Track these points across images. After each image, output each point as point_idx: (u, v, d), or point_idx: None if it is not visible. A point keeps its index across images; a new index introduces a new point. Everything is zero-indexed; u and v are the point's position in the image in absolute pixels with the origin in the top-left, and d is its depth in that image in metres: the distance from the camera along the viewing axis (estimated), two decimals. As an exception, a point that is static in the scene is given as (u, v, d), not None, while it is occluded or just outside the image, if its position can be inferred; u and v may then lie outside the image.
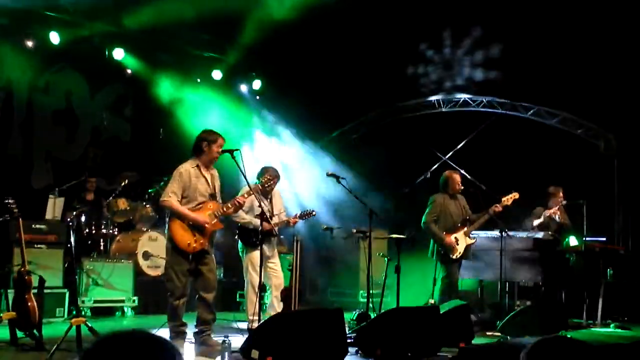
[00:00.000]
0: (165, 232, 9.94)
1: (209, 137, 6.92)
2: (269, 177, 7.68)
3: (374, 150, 12.74)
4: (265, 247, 7.92)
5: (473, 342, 7.28)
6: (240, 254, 8.26)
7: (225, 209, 6.94)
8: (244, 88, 13.25)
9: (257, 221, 7.74)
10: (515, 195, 8.97)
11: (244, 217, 7.93)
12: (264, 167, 8.28)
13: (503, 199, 8.92)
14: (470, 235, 8.94)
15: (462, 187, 9.07)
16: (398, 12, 10.43)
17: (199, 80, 12.70)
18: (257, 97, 13.43)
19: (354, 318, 8.25)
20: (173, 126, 12.13)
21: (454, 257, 8.79)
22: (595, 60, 10.77)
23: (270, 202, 8.19)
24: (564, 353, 2.41)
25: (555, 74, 11.15)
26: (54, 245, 8.88)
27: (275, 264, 8.22)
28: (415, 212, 9.32)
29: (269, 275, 8.15)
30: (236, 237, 8.35)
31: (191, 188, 6.79)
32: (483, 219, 8.94)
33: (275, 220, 8.08)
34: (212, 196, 6.91)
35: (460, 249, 8.82)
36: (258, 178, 7.96)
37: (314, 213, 8.45)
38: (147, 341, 1.94)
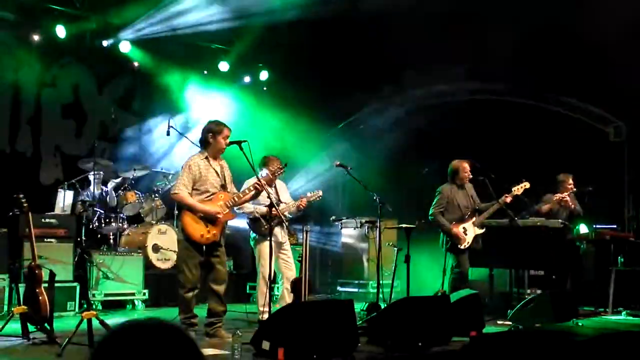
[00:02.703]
0: (175, 224, 10.02)
1: (214, 128, 6.94)
2: (278, 166, 7.66)
3: (383, 141, 12.72)
4: (278, 232, 7.94)
5: (484, 331, 7.27)
6: (252, 244, 8.24)
7: (236, 199, 6.95)
8: (247, 79, 13.28)
9: (262, 208, 7.70)
10: (526, 184, 8.91)
11: (248, 206, 7.90)
12: (267, 156, 8.25)
13: (513, 189, 8.86)
14: (480, 226, 8.90)
15: (471, 176, 9.02)
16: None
17: (205, 72, 12.72)
18: (264, 88, 13.44)
19: (364, 308, 8.24)
20: (181, 119, 12.16)
21: (462, 247, 8.76)
22: (604, 46, 10.68)
23: (275, 189, 8.17)
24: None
25: (563, 59, 11.08)
26: (64, 239, 8.89)
27: (287, 255, 8.20)
28: (425, 201, 9.29)
29: (280, 266, 8.14)
30: (248, 227, 8.30)
31: (201, 180, 6.81)
32: (492, 208, 8.87)
33: (283, 206, 8.05)
34: (223, 187, 6.93)
35: (469, 239, 8.78)
36: (261, 169, 7.93)
37: (320, 194, 8.37)
38: (164, 330, 1.93)
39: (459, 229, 8.76)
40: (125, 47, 11.50)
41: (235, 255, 11.08)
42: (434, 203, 8.96)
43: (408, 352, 6.23)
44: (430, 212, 8.93)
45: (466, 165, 9.03)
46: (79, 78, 11.99)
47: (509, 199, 8.80)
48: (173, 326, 1.93)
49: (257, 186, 7.01)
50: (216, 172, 6.93)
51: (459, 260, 8.77)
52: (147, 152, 12.18)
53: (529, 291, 10.08)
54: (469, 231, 8.80)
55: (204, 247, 6.81)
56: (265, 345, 5.49)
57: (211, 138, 6.91)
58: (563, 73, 11.36)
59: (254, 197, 7.24)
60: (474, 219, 8.86)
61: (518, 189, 8.85)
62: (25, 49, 10.89)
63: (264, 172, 7.71)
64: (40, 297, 6.53)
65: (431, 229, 9.13)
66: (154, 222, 10.30)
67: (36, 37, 10.73)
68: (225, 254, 7.07)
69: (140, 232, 10.15)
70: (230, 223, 7.64)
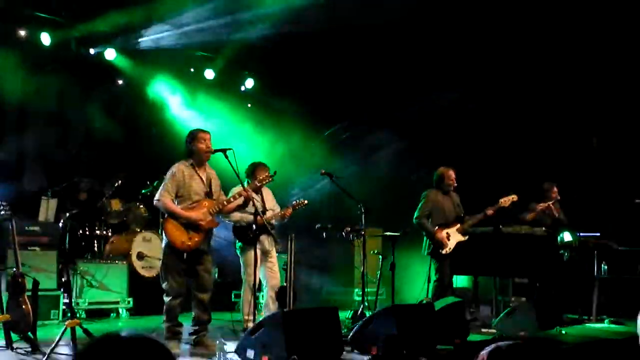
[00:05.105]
0: (160, 232, 9.97)
1: (189, 136, 7.04)
2: (266, 174, 7.64)
3: (367, 148, 12.74)
4: (265, 240, 7.93)
5: (468, 339, 7.29)
6: (238, 253, 8.21)
7: (221, 206, 6.93)
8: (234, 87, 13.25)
9: (248, 217, 7.69)
10: (514, 197, 8.97)
11: (235, 214, 7.88)
12: (254, 163, 8.24)
13: (501, 201, 8.92)
14: (463, 233, 8.93)
15: (456, 184, 9.07)
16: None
17: (191, 80, 12.70)
18: (250, 96, 13.43)
19: (349, 317, 8.25)
20: (166, 126, 12.13)
21: (444, 252, 8.79)
22: (587, 59, 10.80)
23: (261, 197, 8.16)
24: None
25: (549, 69, 11.16)
26: (47, 247, 8.84)
27: (273, 263, 8.19)
28: (410, 209, 9.32)
29: (266, 275, 8.12)
30: (233, 236, 8.28)
31: (185, 187, 6.82)
32: (477, 218, 8.94)
33: (269, 214, 8.04)
34: (208, 194, 6.92)
35: (451, 245, 8.82)
36: (249, 176, 7.95)
37: (306, 202, 8.38)
38: (140, 343, 1.93)
39: (442, 234, 8.80)
40: (110, 55, 11.46)
41: (220, 264, 11.04)
42: (419, 207, 9.01)
43: (393, 360, 6.24)
44: (415, 216, 8.97)
45: (451, 173, 9.10)
46: (64, 86, 11.92)
47: (492, 211, 8.86)
48: (150, 339, 1.93)
49: (243, 193, 7.01)
50: (201, 179, 6.93)
51: (440, 269, 8.80)
52: (131, 160, 12.11)
53: (513, 299, 10.13)
54: (452, 237, 8.84)
55: (187, 254, 6.78)
56: (250, 354, 5.49)
57: (191, 146, 6.95)
58: (547, 81, 11.44)
59: (242, 204, 7.23)
60: (457, 225, 8.90)
61: (505, 201, 8.91)
62: (9, 56, 10.83)
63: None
64: (23, 306, 6.49)
65: (416, 237, 9.16)
66: (138, 230, 10.25)
67: (21, 44, 10.67)
68: (211, 262, 7.06)
69: (124, 239, 10.10)
70: (215, 231, 7.60)
